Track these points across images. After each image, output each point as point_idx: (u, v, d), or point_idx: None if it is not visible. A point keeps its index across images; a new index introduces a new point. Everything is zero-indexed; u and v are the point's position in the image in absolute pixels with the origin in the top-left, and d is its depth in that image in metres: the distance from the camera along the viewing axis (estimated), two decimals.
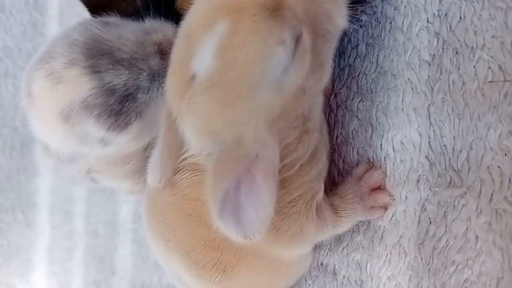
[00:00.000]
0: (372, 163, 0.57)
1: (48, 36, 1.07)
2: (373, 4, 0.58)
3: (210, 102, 0.38)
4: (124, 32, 0.51)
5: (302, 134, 0.44)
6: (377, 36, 0.57)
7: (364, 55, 0.58)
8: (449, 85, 0.52)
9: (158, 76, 0.51)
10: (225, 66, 0.37)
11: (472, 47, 0.51)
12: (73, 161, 0.57)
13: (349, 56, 0.60)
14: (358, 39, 0.59)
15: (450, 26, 0.52)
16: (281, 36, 0.37)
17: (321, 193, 0.51)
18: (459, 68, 0.51)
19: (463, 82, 0.51)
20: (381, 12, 0.57)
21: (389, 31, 0.56)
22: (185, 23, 0.42)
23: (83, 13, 0.92)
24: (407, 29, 0.55)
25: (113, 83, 0.49)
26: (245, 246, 0.45)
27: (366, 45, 0.58)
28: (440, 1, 0.53)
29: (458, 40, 0.52)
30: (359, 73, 0.59)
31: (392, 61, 0.56)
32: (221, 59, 0.37)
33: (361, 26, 0.58)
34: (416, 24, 0.54)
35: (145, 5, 0.56)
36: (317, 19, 0.40)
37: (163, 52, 0.51)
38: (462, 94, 0.51)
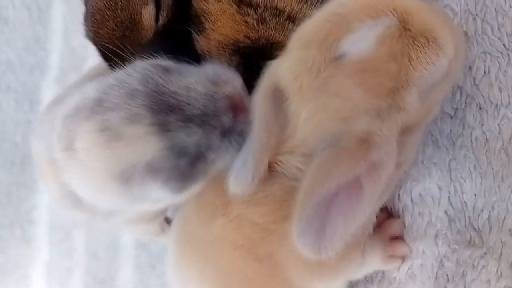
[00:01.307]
0: (391, 213, 0.56)
1: (51, 51, 1.05)
2: None
3: (358, 86, 0.37)
4: (191, 82, 0.45)
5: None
6: None
7: None
8: (471, 141, 0.51)
9: (229, 133, 0.46)
10: (390, 57, 0.36)
11: (497, 104, 0.50)
12: (110, 216, 0.50)
13: None
14: None
15: (474, 80, 0.51)
16: (448, 50, 0.38)
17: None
18: (482, 125, 0.50)
19: (487, 139, 0.50)
20: None
21: None
22: (337, 2, 0.40)
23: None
24: None
25: (184, 144, 0.43)
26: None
27: None
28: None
29: (482, 96, 0.51)
30: None
31: None
32: (387, 48, 0.36)
33: None
34: None
35: (164, 47, 0.54)
36: None
37: (236, 107, 0.46)
38: (485, 152, 0.50)
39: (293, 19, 0.50)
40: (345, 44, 0.37)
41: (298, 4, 0.49)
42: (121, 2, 0.56)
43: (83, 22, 0.61)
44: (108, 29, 0.57)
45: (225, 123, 0.45)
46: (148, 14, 0.56)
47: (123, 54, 0.57)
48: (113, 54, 0.57)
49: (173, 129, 0.42)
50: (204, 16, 0.54)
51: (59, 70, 1.04)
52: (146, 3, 0.56)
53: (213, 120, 0.44)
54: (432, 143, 0.53)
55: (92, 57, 0.91)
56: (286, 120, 0.40)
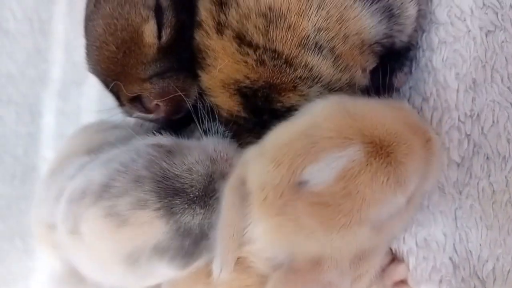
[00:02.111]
0: (396, 254, 0.56)
1: (52, 63, 1.04)
2: (400, 90, 0.57)
3: (314, 216, 0.38)
4: (192, 163, 0.47)
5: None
6: None
7: None
8: (478, 192, 0.51)
9: None
10: (345, 193, 0.37)
11: (505, 156, 0.50)
12: None
13: None
14: None
15: (482, 129, 0.51)
16: (409, 187, 0.38)
17: None
18: (489, 176, 0.51)
19: (493, 191, 0.50)
20: (408, 100, 0.56)
21: None
22: (311, 119, 0.42)
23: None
24: (436, 124, 0.54)
25: (189, 225, 0.45)
26: None
27: None
28: (472, 101, 0.52)
29: (490, 146, 0.51)
30: None
31: None
32: (344, 184, 0.37)
33: None
34: (446, 121, 0.53)
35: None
36: None
37: None
38: (492, 204, 0.50)
39: (290, 64, 0.50)
40: (308, 172, 0.38)
41: (296, 49, 0.49)
42: (119, 23, 0.55)
43: (85, 56, 0.60)
44: (109, 52, 0.56)
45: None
46: (149, 31, 0.55)
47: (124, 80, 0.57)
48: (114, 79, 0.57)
49: (179, 211, 0.44)
50: (206, 52, 0.54)
51: (60, 83, 1.04)
52: (146, 20, 0.55)
53: (213, 200, 0.46)
54: (438, 189, 0.53)
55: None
56: (247, 221, 0.42)
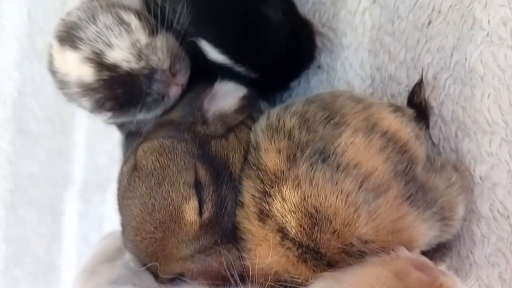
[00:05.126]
0: None
1: (74, 163, 1.04)
2: None
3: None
4: None
5: None
6: None
7: None
8: None
9: None
10: None
11: None
12: None
13: None
14: None
15: None
16: None
17: None
18: None
19: None
20: None
21: None
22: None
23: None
24: None
25: None
26: None
27: None
28: None
29: None
30: None
31: None
32: None
33: None
34: None
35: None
36: None
37: None
38: None
39: (332, 266, 0.49)
40: None
41: (339, 255, 0.48)
42: (158, 203, 0.52)
43: (121, 232, 0.59)
44: (147, 233, 0.53)
45: None
46: (191, 209, 0.52)
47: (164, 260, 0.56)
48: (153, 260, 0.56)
49: None
50: (247, 236, 0.53)
51: (82, 184, 1.03)
52: (187, 198, 0.52)
53: None
54: None
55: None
56: None
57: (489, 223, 0.52)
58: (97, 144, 1.01)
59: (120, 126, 0.71)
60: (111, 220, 0.98)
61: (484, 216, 0.53)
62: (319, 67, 0.71)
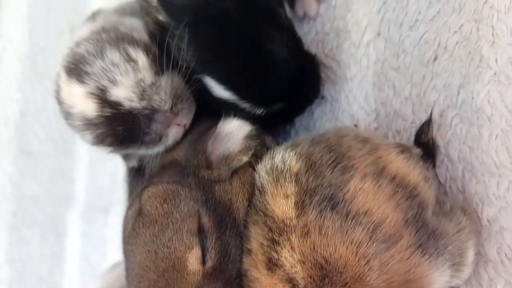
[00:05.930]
0: None
1: (76, 182, 1.04)
2: None
3: None
4: None
5: None
6: None
7: None
8: None
9: None
10: None
11: None
12: None
13: None
14: None
15: None
16: None
17: None
18: None
19: None
20: None
21: None
22: None
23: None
24: None
25: None
26: None
27: None
28: None
29: None
30: None
31: None
32: None
33: None
34: None
35: None
36: None
37: None
38: None
39: None
40: None
41: None
42: (161, 251, 0.52)
43: (125, 277, 0.59)
44: (150, 281, 0.52)
45: None
46: (193, 258, 0.52)
47: None
48: None
49: None
50: (255, 285, 0.52)
51: (85, 204, 1.03)
52: (191, 247, 0.52)
53: None
54: None
55: (120, 203, 0.90)
56: None
57: (497, 267, 0.52)
58: (99, 165, 1.01)
59: (124, 157, 0.71)
60: (113, 243, 0.98)
61: (491, 259, 0.53)
62: (322, 97, 0.70)
